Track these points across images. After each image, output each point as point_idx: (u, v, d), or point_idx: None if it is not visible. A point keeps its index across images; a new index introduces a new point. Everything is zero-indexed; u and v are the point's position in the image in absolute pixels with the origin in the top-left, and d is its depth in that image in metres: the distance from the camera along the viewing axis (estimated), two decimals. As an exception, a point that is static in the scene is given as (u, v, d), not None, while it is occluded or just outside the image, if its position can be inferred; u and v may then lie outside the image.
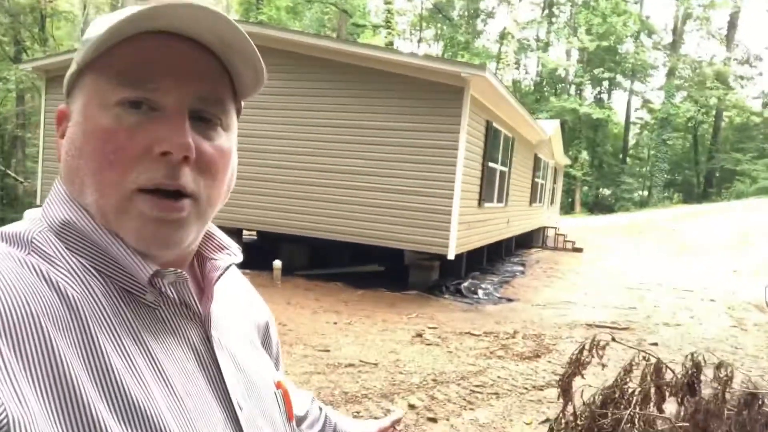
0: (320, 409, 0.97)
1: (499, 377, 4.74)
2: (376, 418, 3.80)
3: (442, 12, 38.13)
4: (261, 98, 8.74)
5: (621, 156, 37.82)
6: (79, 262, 0.56)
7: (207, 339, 0.62)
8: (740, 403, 2.49)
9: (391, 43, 27.08)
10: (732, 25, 36.00)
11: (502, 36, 32.92)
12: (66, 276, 0.53)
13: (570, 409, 2.38)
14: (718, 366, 2.41)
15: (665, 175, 34.55)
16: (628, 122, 38.83)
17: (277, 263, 8.45)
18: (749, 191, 29.26)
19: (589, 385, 2.41)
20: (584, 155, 32.46)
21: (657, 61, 36.51)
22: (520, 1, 34.71)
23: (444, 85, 7.89)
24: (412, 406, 4.03)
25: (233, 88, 0.64)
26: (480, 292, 8.74)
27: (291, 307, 6.83)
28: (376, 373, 4.65)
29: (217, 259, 0.68)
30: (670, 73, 34.86)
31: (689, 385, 2.41)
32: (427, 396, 4.24)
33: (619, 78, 35.64)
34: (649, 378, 2.45)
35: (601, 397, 2.41)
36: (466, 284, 8.85)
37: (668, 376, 2.52)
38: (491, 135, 9.39)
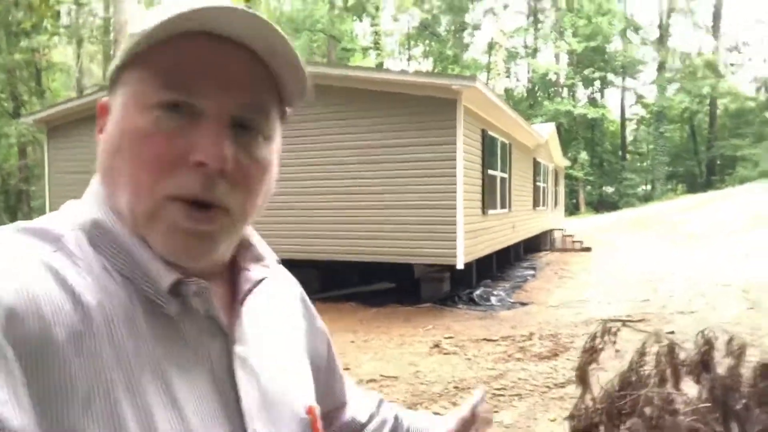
0: (390, 412, 0.91)
1: (519, 379, 4.77)
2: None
3: (428, 28, 38.62)
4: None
5: (620, 153, 37.92)
6: (103, 264, 0.54)
7: (229, 358, 0.59)
8: (756, 375, 2.53)
9: (381, 65, 27.45)
10: (717, 14, 36.32)
11: (491, 46, 33.29)
12: (86, 281, 0.52)
13: (588, 396, 2.43)
14: (729, 340, 2.46)
15: (666, 168, 34.58)
16: (623, 119, 39.01)
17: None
18: (753, 175, 29.25)
19: (604, 369, 2.46)
20: (583, 155, 32.55)
21: (646, 57, 36.81)
22: (505, 10, 35.18)
23: (437, 99, 8.02)
24: (436, 414, 4.07)
25: (279, 95, 0.61)
26: (493, 298, 8.77)
27: (307, 330, 6.88)
28: (397, 386, 4.69)
29: (251, 271, 0.65)
30: (661, 67, 35.10)
31: (703, 363, 2.46)
32: (450, 403, 4.27)
33: (610, 76, 35.90)
34: (663, 359, 2.50)
35: (618, 380, 2.46)
36: (478, 292, 8.88)
37: (682, 356, 2.58)
38: (488, 143, 9.50)
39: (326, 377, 0.81)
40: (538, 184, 15.22)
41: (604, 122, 36.03)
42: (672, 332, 6.11)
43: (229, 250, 0.62)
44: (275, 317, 0.70)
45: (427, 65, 40.85)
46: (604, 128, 37.15)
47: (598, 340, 2.51)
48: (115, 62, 0.58)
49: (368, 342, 6.26)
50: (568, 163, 22.50)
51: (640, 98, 38.29)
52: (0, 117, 22.48)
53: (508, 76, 38.10)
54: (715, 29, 36.27)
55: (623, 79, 37.12)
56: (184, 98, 0.54)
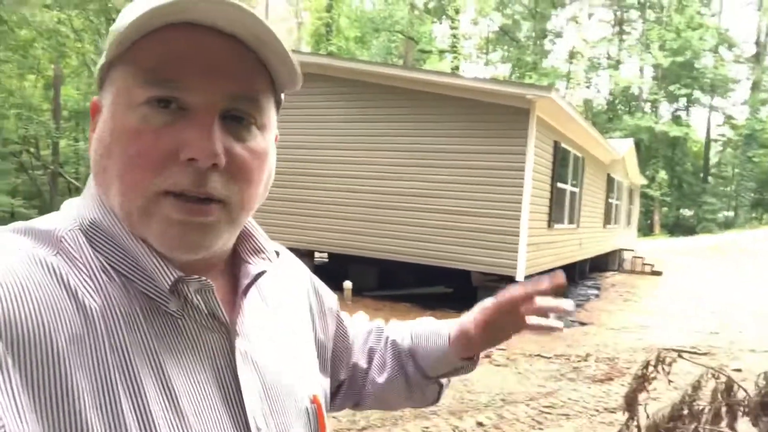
0: (390, 340, 0.90)
1: (569, 399, 4.67)
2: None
3: (508, 34, 38.10)
4: (334, 125, 9.12)
5: (702, 175, 36.04)
6: (103, 265, 0.54)
7: (231, 353, 0.59)
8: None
9: (457, 68, 27.32)
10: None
11: (572, 55, 32.47)
12: (87, 282, 0.52)
13: (634, 423, 2.37)
14: (794, 384, 2.34)
15: (752, 195, 32.57)
16: (708, 139, 37.06)
17: (348, 284, 8.67)
18: None
19: (657, 399, 2.40)
20: (662, 175, 31.16)
21: (739, 75, 34.80)
22: (590, 19, 34.20)
23: (509, 108, 7.93)
24: (480, 424, 4.06)
25: (271, 82, 0.60)
26: (551, 315, 8.57)
27: (361, 327, 6.98)
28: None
29: (251, 264, 0.64)
30: (755, 87, 33.09)
31: (762, 404, 2.34)
32: (496, 415, 4.25)
33: (698, 94, 34.22)
34: (720, 395, 2.41)
35: (669, 411, 2.39)
36: (536, 307, 8.73)
37: (741, 395, 2.47)
38: (560, 155, 9.31)
39: (340, 353, 0.83)
40: (610, 201, 14.73)
41: (688, 141, 34.35)
42: (739, 369, 5.80)
43: (230, 242, 0.62)
44: (278, 309, 0.70)
45: (505, 70, 40.34)
46: (687, 148, 35.41)
47: (650, 368, 2.45)
48: (101, 62, 0.58)
49: (419, 345, 6.30)
50: (644, 181, 21.62)
51: (728, 119, 36.29)
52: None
53: (588, 87, 37.05)
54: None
55: (712, 97, 35.32)
56: (171, 93, 0.53)
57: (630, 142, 16.39)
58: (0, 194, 17.17)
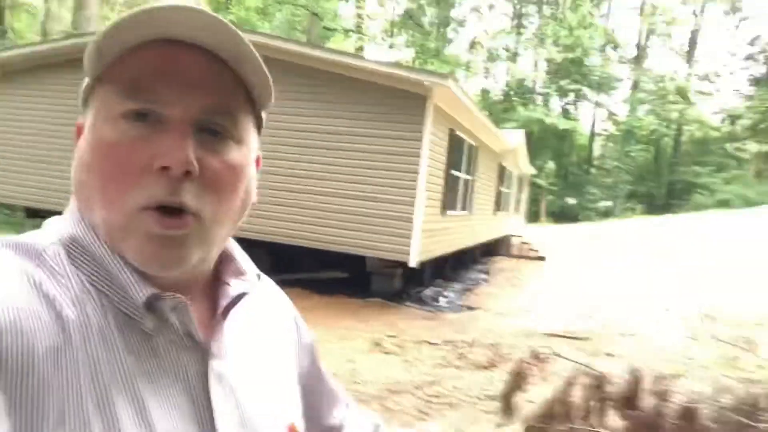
0: None
1: (454, 387, 4.74)
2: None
3: (413, 18, 38.38)
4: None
5: (585, 166, 38.60)
6: (80, 279, 0.54)
7: (205, 375, 0.58)
8: (679, 416, 2.53)
9: (361, 48, 27.15)
10: (693, 42, 37.22)
11: (472, 45, 33.33)
12: (65, 293, 0.52)
13: (511, 422, 2.38)
14: (656, 381, 2.44)
15: (628, 186, 35.37)
16: (593, 133, 39.67)
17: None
18: (709, 203, 30.20)
19: (530, 401, 2.41)
20: (550, 165, 33.01)
21: (622, 74, 37.47)
22: (490, 10, 35.25)
23: (408, 93, 7.90)
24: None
25: (249, 99, 0.61)
26: (442, 299, 8.76)
27: (249, 314, 6.72)
28: (330, 383, 4.60)
29: (230, 286, 0.64)
30: (635, 87, 35.81)
31: (629, 399, 2.44)
32: (382, 407, 4.20)
33: (586, 90, 36.41)
34: (590, 392, 2.47)
35: (541, 410, 2.42)
36: (428, 292, 8.87)
37: (610, 390, 2.55)
38: (455, 143, 9.45)
39: (310, 394, 0.79)
40: (501, 189, 15.30)
41: (575, 134, 36.58)
42: (611, 354, 6.21)
43: (207, 260, 0.61)
44: (259, 333, 0.69)
45: (408, 55, 40.69)
46: (574, 140, 37.71)
47: (525, 365, 2.47)
48: (85, 81, 0.59)
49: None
50: (534, 171, 22.72)
51: (611, 115, 39.02)
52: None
53: (486, 77, 38.31)
54: (690, 56, 37.19)
55: (597, 93, 37.73)
56: (147, 106, 0.54)
57: (521, 134, 17.09)
58: None
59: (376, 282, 8.62)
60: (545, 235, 22.08)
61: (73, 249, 0.56)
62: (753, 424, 2.18)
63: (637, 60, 36.71)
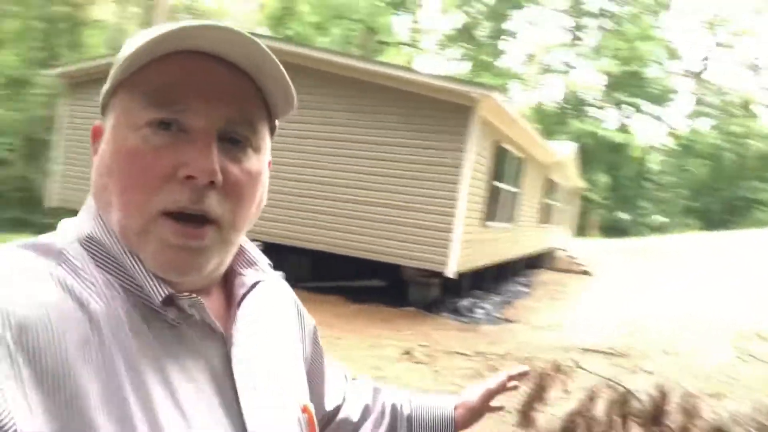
0: (388, 401, 0.96)
1: (479, 397, 4.72)
2: None
3: (468, 32, 38.34)
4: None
5: (640, 181, 37.34)
6: (104, 276, 0.56)
7: (228, 360, 0.62)
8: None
9: (414, 61, 27.30)
10: (759, 54, 35.57)
11: (527, 57, 33.01)
12: (90, 290, 0.54)
13: None
14: (684, 398, 2.39)
15: (685, 202, 34.00)
16: (649, 147, 38.38)
17: (279, 274, 8.53)
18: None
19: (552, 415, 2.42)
20: (603, 178, 32.15)
21: (682, 88, 36.18)
22: (546, 23, 34.82)
23: (452, 104, 7.95)
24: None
25: (267, 107, 0.63)
26: (479, 311, 8.71)
27: (286, 318, 6.88)
28: (356, 387, 4.67)
29: (245, 276, 0.68)
30: (696, 101, 34.47)
31: (655, 416, 2.39)
32: (404, 412, 4.24)
33: (643, 103, 35.35)
34: (614, 407, 2.44)
35: (562, 423, 2.41)
36: (465, 303, 8.83)
37: (636, 406, 2.51)
38: (500, 155, 9.41)
39: (314, 375, 0.84)
40: (548, 201, 15.06)
41: (629, 148, 35.47)
42: (651, 372, 6.02)
43: (224, 264, 0.64)
44: (271, 320, 0.72)
45: (463, 68, 40.61)
46: (628, 154, 36.58)
47: (547, 377, 2.47)
48: (105, 88, 0.61)
49: (340, 340, 6.25)
50: (584, 184, 22.23)
51: (670, 129, 37.71)
52: (34, 66, 22.78)
53: (540, 90, 37.77)
54: (755, 68, 35.56)
55: (656, 107, 36.55)
56: (172, 116, 0.56)
57: (572, 146, 16.79)
58: None
59: (413, 291, 8.66)
60: (593, 248, 21.51)
61: (93, 248, 0.58)
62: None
63: (699, 72, 35.41)
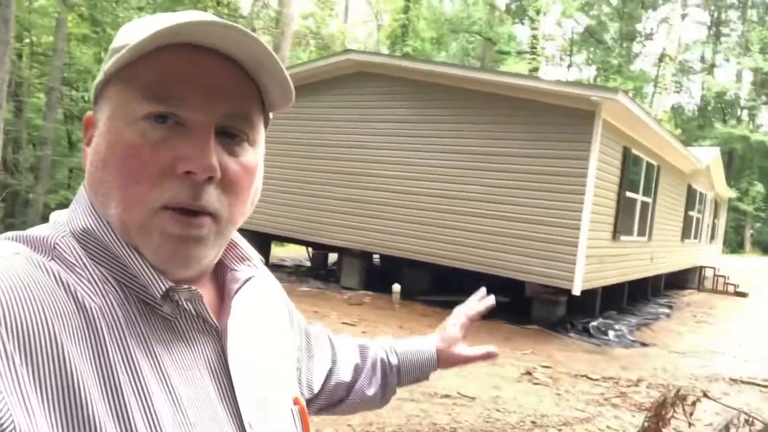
0: (377, 354, 1.00)
1: (608, 427, 4.27)
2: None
3: (593, 36, 36.54)
4: (391, 125, 8.97)
5: (805, 189, 32.97)
6: (99, 270, 0.56)
7: (222, 353, 0.62)
8: None
9: (535, 69, 26.50)
10: None
11: (661, 58, 30.68)
12: (85, 284, 0.54)
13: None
14: None
15: None
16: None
17: (396, 287, 8.49)
18: None
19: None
20: (757, 188, 28.79)
21: None
22: (683, 20, 32.22)
23: (573, 110, 7.48)
24: None
25: (261, 101, 0.63)
26: (611, 332, 8.02)
27: (402, 332, 6.79)
28: (471, 408, 4.43)
29: (238, 271, 0.68)
30: None
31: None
32: (522, 439, 3.94)
33: (803, 101, 31.35)
34: (753, 447, 2.04)
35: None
36: (595, 323, 8.19)
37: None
38: (629, 162, 8.70)
39: (308, 366, 0.88)
40: (690, 213, 13.70)
41: (789, 152, 31.52)
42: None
43: (218, 256, 0.64)
44: (263, 314, 0.73)
45: (589, 73, 38.72)
46: (789, 159, 32.52)
47: (667, 408, 2.12)
48: (98, 79, 0.60)
49: (458, 355, 6.03)
50: (733, 194, 20.01)
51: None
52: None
53: (678, 92, 34.94)
54: None
55: (820, 105, 32.26)
56: (170, 110, 0.56)
57: (716, 151, 15.16)
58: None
59: (537, 309, 8.20)
60: (750, 267, 19.27)
61: (88, 241, 0.58)
62: None
63: None
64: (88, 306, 0.52)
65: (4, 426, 0.43)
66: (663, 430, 2.19)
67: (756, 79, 31.60)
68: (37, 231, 0.58)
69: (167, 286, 0.56)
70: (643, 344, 7.62)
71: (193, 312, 0.60)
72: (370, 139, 9.17)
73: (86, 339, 0.51)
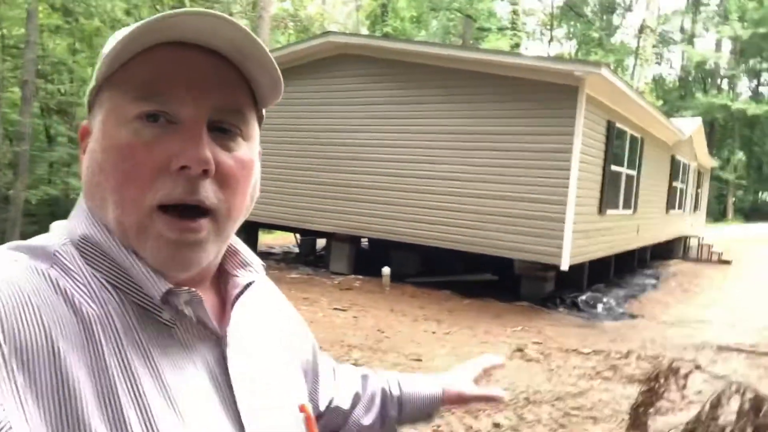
0: (378, 385, 0.97)
1: (600, 400, 4.33)
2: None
3: (573, 9, 36.41)
4: (375, 107, 8.90)
5: (785, 156, 33.42)
6: (97, 278, 0.56)
7: (223, 360, 0.61)
8: None
9: (517, 45, 26.39)
10: None
11: (641, 30, 30.67)
12: (84, 291, 0.54)
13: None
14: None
15: (843, 177, 29.95)
16: (794, 118, 34.24)
17: (386, 270, 8.51)
18: None
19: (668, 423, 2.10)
20: (739, 156, 29.12)
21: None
22: (662, -9, 32.15)
23: (556, 86, 7.47)
24: (497, 425, 3.81)
25: (253, 97, 0.63)
26: (600, 306, 8.12)
27: (393, 315, 6.82)
28: (465, 388, 4.47)
29: (239, 276, 0.67)
30: None
31: (796, 430, 2.00)
32: (516, 415, 3.98)
33: (783, 68, 31.60)
34: (744, 416, 2.07)
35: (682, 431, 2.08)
36: (584, 297, 8.28)
37: (772, 415, 2.11)
38: (614, 136, 8.73)
39: (312, 376, 0.84)
40: (674, 184, 13.83)
41: (769, 120, 31.89)
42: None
43: (219, 256, 0.64)
44: (265, 320, 0.72)
45: (570, 47, 38.66)
46: (768, 127, 32.92)
47: (661, 381, 2.14)
48: (90, 86, 0.61)
49: (449, 335, 6.06)
50: (715, 163, 20.22)
51: (817, 95, 33.35)
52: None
53: (658, 63, 35.03)
54: None
55: (799, 71, 32.57)
56: (160, 107, 0.56)
57: (698, 121, 15.27)
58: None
59: (526, 285, 8.26)
60: (732, 235, 19.56)
61: (86, 248, 0.58)
62: None
63: None
64: (86, 313, 0.52)
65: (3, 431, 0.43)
66: (657, 402, 2.21)
67: (735, 48, 31.77)
68: (38, 240, 0.58)
69: (166, 288, 0.56)
70: (632, 316, 7.72)
71: (193, 318, 0.59)
72: (354, 122, 9.11)
73: (84, 346, 0.51)
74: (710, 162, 18.60)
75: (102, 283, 0.56)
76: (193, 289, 0.58)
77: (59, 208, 13.91)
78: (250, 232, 10.50)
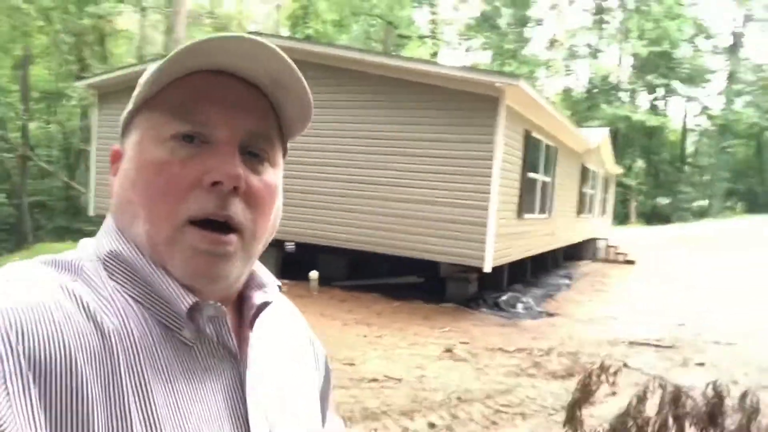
0: None
1: (527, 397, 4.56)
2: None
3: (488, 21, 37.79)
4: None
5: (678, 164, 36.36)
6: (120, 293, 0.57)
7: (240, 382, 0.61)
8: (770, 436, 2.28)
9: (435, 54, 27.03)
10: (799, 25, 34.16)
11: (551, 43, 32.35)
12: (106, 306, 0.54)
13: (575, 437, 2.23)
14: (743, 396, 2.21)
15: (726, 184, 32.95)
16: (685, 129, 37.33)
17: (314, 274, 8.48)
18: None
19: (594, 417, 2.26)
20: (639, 164, 31.34)
21: (715, 66, 34.98)
22: (570, 5, 34.11)
23: (478, 96, 7.76)
24: (432, 425, 3.91)
25: (279, 128, 0.65)
26: (519, 305, 8.50)
27: (323, 319, 6.81)
28: (399, 389, 4.55)
29: (254, 298, 0.67)
30: (731, 78, 33.37)
31: (710, 416, 2.22)
32: (449, 414, 4.11)
33: (675, 84, 34.29)
34: (667, 407, 2.27)
35: (612, 424, 2.25)
36: (504, 297, 8.62)
37: (689, 405, 2.34)
38: (531, 145, 9.17)
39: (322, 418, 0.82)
40: (584, 190, 14.69)
41: (665, 131, 34.56)
42: (702, 364, 5.77)
43: (244, 275, 0.64)
44: (281, 344, 0.72)
45: (486, 58, 40.04)
46: (664, 137, 35.64)
47: (594, 379, 2.31)
48: (127, 110, 0.63)
49: (381, 338, 6.14)
50: (620, 170, 21.66)
51: (705, 109, 36.47)
52: (66, 79, 23.26)
53: (567, 75, 37.03)
54: (796, 42, 34.15)
55: (689, 87, 35.48)
56: (196, 129, 0.58)
57: (605, 132, 16.33)
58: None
59: (451, 287, 8.50)
60: (635, 237, 21.00)
61: (112, 264, 0.59)
62: None
63: (733, 49, 34.16)
64: (105, 328, 0.53)
65: None
66: (589, 397, 2.37)
67: (635, 64, 34.18)
68: (65, 255, 0.59)
69: (193, 301, 0.57)
70: (549, 314, 8.14)
71: (214, 337, 0.60)
72: (280, 125, 9.00)
73: (102, 361, 0.51)
74: (616, 169, 19.91)
75: (125, 299, 0.56)
76: (218, 303, 0.58)
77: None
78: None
